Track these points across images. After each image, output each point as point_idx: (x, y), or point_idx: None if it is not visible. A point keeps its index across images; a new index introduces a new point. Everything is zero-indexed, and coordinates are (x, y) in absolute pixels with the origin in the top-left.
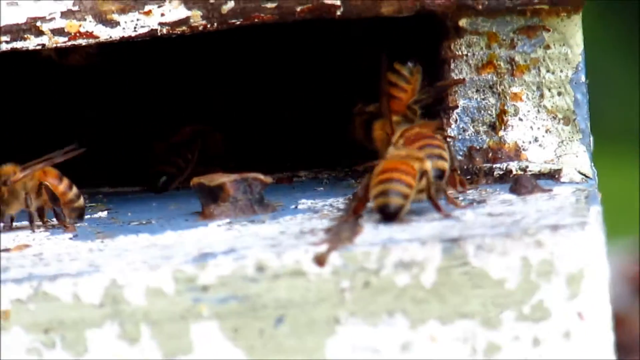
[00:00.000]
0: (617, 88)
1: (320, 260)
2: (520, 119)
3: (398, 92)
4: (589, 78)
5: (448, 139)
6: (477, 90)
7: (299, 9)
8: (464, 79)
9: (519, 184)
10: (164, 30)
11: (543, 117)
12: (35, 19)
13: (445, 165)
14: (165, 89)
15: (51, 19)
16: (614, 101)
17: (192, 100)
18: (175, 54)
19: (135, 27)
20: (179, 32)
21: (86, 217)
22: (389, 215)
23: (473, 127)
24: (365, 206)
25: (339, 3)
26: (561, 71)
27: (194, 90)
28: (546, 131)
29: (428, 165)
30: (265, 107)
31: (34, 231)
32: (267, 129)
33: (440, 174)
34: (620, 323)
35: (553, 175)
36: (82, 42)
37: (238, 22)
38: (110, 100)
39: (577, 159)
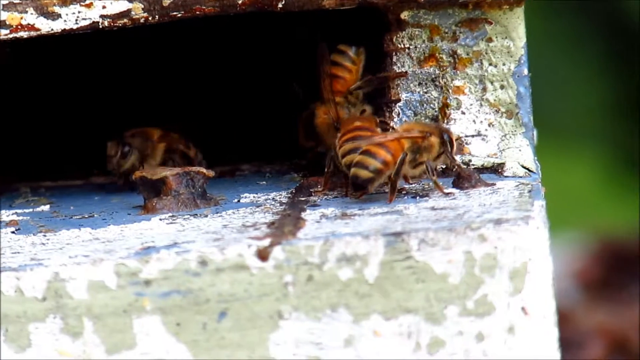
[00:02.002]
0: (560, 81)
1: (263, 255)
2: (463, 113)
3: (342, 71)
4: (531, 71)
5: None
6: (420, 84)
7: (240, 1)
8: (406, 72)
9: (462, 178)
10: (106, 23)
11: (486, 110)
12: None
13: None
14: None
15: None
16: (557, 94)
17: (139, 97)
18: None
19: (76, 20)
20: (120, 25)
21: (28, 210)
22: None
23: (415, 120)
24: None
25: None
26: (504, 64)
27: (142, 86)
28: (489, 125)
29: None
30: (209, 101)
31: None
32: (210, 123)
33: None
34: (565, 319)
35: (496, 169)
36: (24, 34)
37: (179, 15)
38: (67, 94)
39: (520, 152)
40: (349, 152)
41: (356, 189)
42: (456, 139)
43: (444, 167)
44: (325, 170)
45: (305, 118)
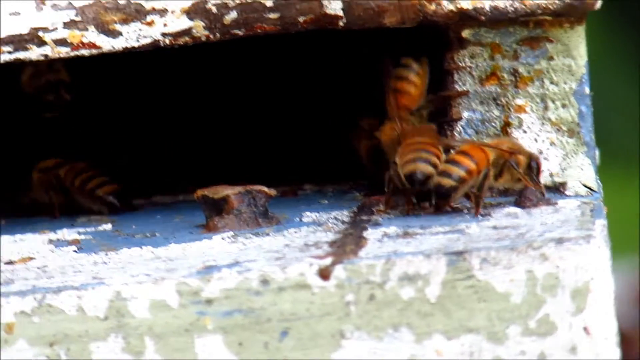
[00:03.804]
0: (621, 100)
1: (324, 274)
2: (525, 131)
3: (408, 85)
4: (592, 90)
5: (451, 151)
6: (481, 102)
7: (301, 19)
8: (467, 91)
9: (524, 197)
10: (167, 41)
11: (547, 129)
12: (37, 29)
13: (431, 170)
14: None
15: (54, 29)
16: (618, 113)
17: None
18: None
19: (137, 38)
20: (181, 43)
21: (90, 229)
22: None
23: (477, 139)
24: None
25: (341, 14)
26: (565, 83)
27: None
28: (550, 144)
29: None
30: (271, 119)
31: None
32: (272, 142)
33: (424, 179)
34: (626, 340)
35: (558, 188)
36: (85, 52)
37: (241, 33)
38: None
39: (582, 171)
40: (409, 161)
41: (440, 199)
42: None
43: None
44: (386, 188)
45: (371, 147)
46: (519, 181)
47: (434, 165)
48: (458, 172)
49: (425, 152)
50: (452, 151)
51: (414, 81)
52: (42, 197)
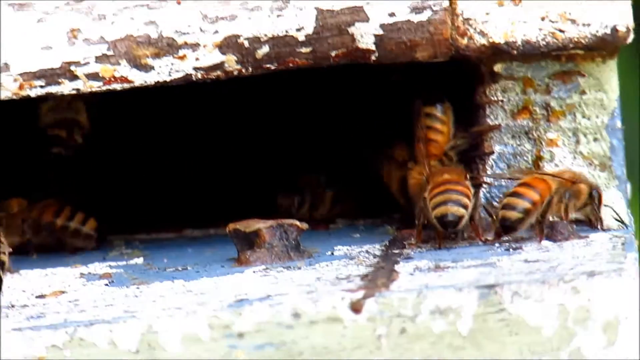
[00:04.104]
0: None
1: (356, 307)
2: (557, 165)
3: (435, 134)
4: (623, 124)
5: (483, 186)
6: (513, 136)
7: (333, 53)
8: (499, 125)
9: (555, 230)
10: (199, 75)
11: (579, 163)
12: (69, 63)
13: (462, 212)
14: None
15: (85, 64)
16: None
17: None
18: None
19: (169, 72)
20: (213, 77)
21: (122, 263)
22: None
23: (509, 173)
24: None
25: (373, 48)
26: (597, 117)
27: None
28: None
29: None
30: (303, 153)
31: None
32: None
33: (457, 220)
34: None
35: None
36: (117, 86)
37: (273, 67)
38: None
39: (613, 205)
40: (439, 204)
41: (506, 232)
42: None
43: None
44: (417, 222)
45: (400, 179)
46: (579, 210)
47: (465, 206)
48: (523, 204)
49: (455, 193)
50: (515, 183)
51: (439, 129)
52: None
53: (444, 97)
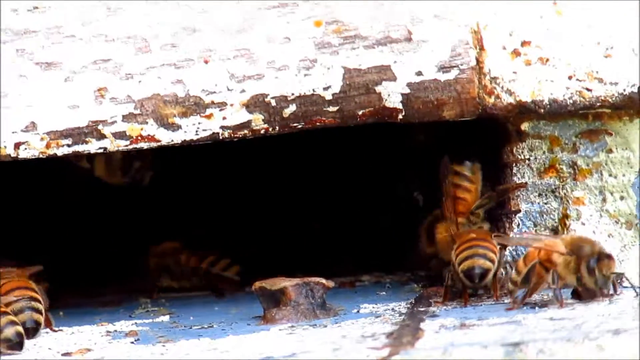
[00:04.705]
0: None
1: None
2: (583, 224)
3: (463, 193)
4: None
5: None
6: (540, 195)
7: (360, 112)
8: (525, 183)
9: (582, 290)
10: (226, 134)
11: (605, 221)
12: (96, 122)
13: (489, 265)
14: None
15: (112, 122)
16: None
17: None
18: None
19: (196, 131)
20: (240, 136)
21: (148, 321)
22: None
23: (535, 231)
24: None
25: (400, 107)
26: (623, 175)
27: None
28: (608, 236)
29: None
30: (328, 211)
31: None
32: (329, 234)
33: (483, 272)
34: None
35: (615, 280)
36: (144, 145)
37: (300, 126)
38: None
39: (639, 263)
40: (466, 258)
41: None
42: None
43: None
44: (445, 282)
45: (427, 225)
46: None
47: (491, 261)
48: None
49: (482, 248)
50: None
51: (467, 187)
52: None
53: (473, 156)
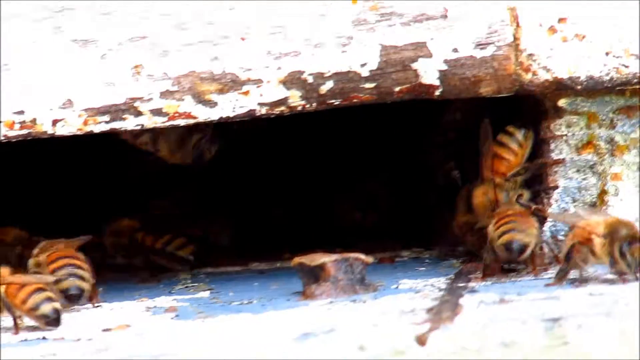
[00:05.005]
0: None
1: (421, 340)
2: (621, 199)
3: (508, 153)
4: None
5: (548, 220)
6: (578, 171)
7: (397, 89)
8: (564, 159)
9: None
10: (263, 111)
11: None
12: (133, 99)
13: (528, 240)
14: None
15: (149, 99)
16: None
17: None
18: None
19: (233, 108)
20: (277, 113)
21: (188, 296)
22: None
23: (574, 207)
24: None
25: (437, 84)
26: None
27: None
28: None
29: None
30: (367, 186)
31: None
32: (370, 209)
33: (522, 247)
34: None
35: None
36: (181, 122)
37: (336, 103)
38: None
39: None
40: (505, 232)
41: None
42: None
43: None
44: (484, 257)
45: (465, 195)
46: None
47: (530, 235)
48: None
49: (521, 222)
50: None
51: (514, 150)
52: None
53: (529, 125)
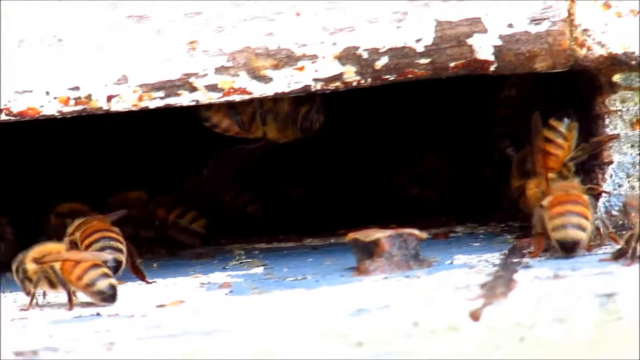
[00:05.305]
0: None
1: (475, 316)
2: None
3: (555, 148)
4: None
5: (602, 195)
6: (632, 146)
7: (452, 64)
8: (618, 135)
9: None
10: (318, 86)
11: None
12: (188, 75)
13: (582, 235)
14: None
15: (204, 75)
16: None
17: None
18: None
19: (288, 84)
20: (332, 88)
21: (242, 272)
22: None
23: (628, 182)
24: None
25: (492, 59)
26: None
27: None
28: None
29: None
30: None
31: None
32: (425, 184)
33: (576, 243)
34: None
35: None
36: (236, 98)
37: (391, 78)
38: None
39: None
40: (559, 227)
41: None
42: None
43: None
44: (537, 232)
45: (518, 160)
46: None
47: (584, 229)
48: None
49: (575, 215)
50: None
51: (560, 144)
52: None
53: (572, 114)
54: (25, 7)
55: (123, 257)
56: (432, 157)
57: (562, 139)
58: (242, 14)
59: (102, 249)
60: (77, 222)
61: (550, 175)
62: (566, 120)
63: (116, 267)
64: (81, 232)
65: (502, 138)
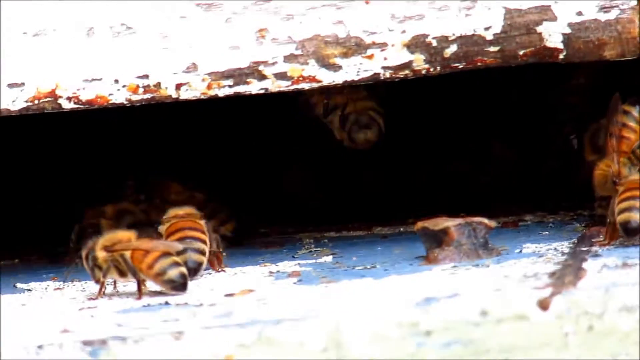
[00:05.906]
0: None
1: (543, 305)
2: None
3: (627, 132)
4: None
5: None
6: None
7: (521, 52)
8: None
9: None
10: (387, 74)
11: None
12: (257, 63)
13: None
14: None
15: (274, 63)
16: None
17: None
18: None
19: (357, 72)
20: (401, 77)
21: (311, 261)
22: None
23: None
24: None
25: (561, 47)
26: None
27: None
28: None
29: None
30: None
31: None
32: (494, 173)
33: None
34: None
35: None
36: (305, 86)
37: (460, 67)
38: None
39: None
40: (624, 210)
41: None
42: None
43: None
44: (608, 221)
45: (591, 134)
46: None
47: None
48: None
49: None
50: None
51: (634, 128)
52: None
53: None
54: None
55: (204, 259)
56: (498, 143)
57: (634, 122)
58: (311, 2)
59: (184, 250)
60: (171, 212)
61: (622, 159)
62: (639, 105)
63: (196, 269)
64: (167, 227)
65: (566, 125)
